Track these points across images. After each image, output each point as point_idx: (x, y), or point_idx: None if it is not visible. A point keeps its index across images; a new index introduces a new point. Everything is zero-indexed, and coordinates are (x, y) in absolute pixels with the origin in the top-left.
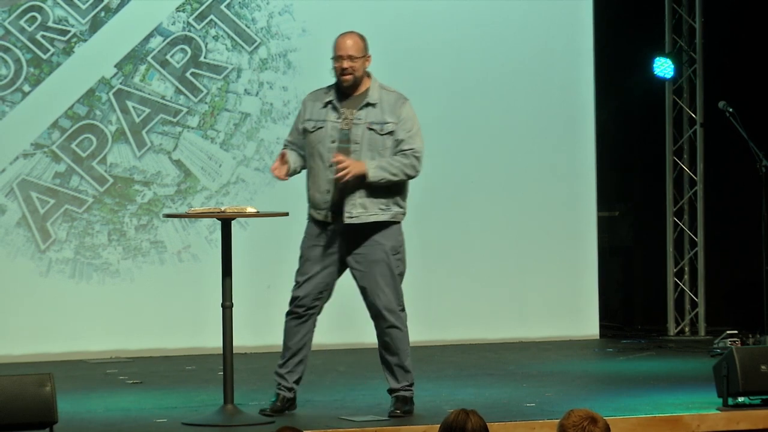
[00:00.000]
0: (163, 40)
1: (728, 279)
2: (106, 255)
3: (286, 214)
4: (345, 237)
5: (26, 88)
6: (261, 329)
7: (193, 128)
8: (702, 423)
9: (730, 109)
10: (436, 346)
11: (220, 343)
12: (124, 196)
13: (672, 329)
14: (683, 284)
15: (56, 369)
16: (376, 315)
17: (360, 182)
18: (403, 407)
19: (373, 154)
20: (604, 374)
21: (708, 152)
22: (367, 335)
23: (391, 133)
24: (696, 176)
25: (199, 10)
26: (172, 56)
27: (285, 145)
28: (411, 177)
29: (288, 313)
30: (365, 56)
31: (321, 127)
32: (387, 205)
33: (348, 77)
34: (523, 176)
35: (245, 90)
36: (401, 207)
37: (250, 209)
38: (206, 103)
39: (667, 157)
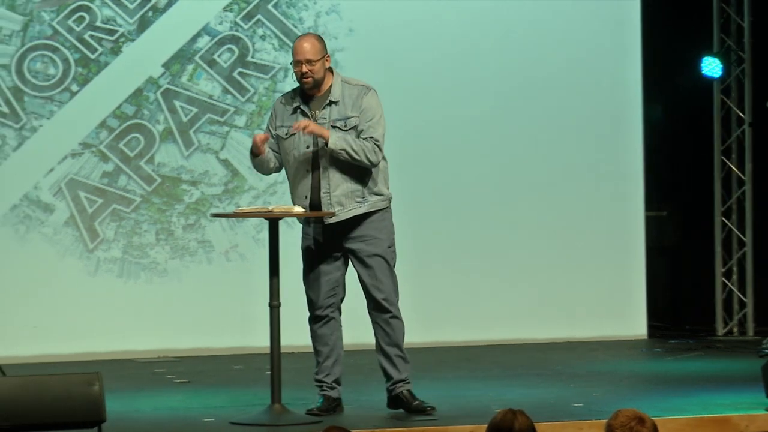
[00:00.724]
0: (211, 40)
1: None
2: (153, 254)
3: (333, 214)
4: (339, 232)
5: (74, 87)
6: (308, 329)
7: (240, 128)
8: (751, 423)
9: None
10: (482, 345)
11: (268, 343)
12: (171, 195)
13: (720, 329)
14: (731, 284)
15: (104, 368)
16: (377, 307)
17: (334, 182)
18: (422, 402)
19: None
20: (651, 374)
21: (756, 152)
22: (414, 335)
23: (355, 127)
24: (744, 176)
25: (247, 9)
26: (219, 56)
27: None
28: (371, 163)
29: (309, 320)
30: (324, 57)
31: (294, 134)
32: (363, 196)
33: (308, 80)
34: (570, 175)
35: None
36: (380, 194)
37: (298, 209)
38: (253, 102)
39: (715, 156)
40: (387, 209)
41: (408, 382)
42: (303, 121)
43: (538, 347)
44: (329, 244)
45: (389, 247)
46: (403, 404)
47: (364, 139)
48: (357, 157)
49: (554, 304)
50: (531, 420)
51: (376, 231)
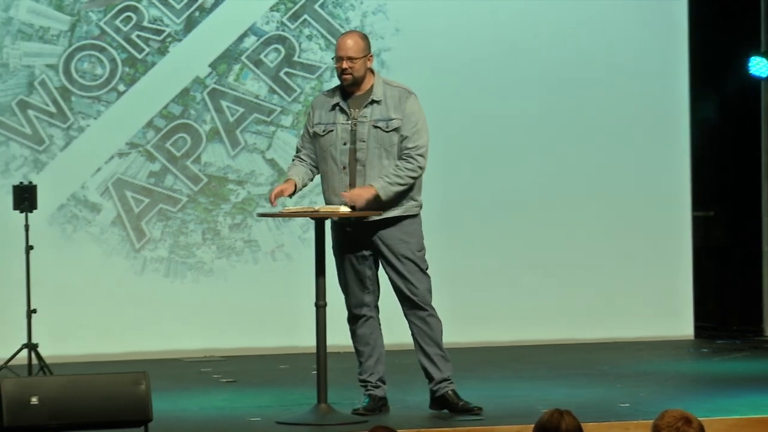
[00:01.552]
0: (257, 40)
1: None
2: (200, 254)
3: (380, 214)
4: (369, 233)
5: (121, 87)
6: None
7: (286, 128)
8: None
9: None
10: (528, 346)
11: (314, 342)
12: (218, 195)
13: None
14: None
15: (151, 367)
16: (413, 306)
17: (369, 182)
18: (468, 402)
19: (380, 151)
20: (698, 375)
21: None
22: (459, 335)
23: (396, 129)
24: None
25: (293, 9)
26: (265, 56)
27: (297, 150)
28: (418, 177)
29: (348, 320)
30: (366, 56)
31: (331, 131)
32: (398, 201)
33: (347, 77)
34: (617, 175)
35: None
36: (414, 200)
37: (344, 208)
38: (300, 102)
39: (763, 156)
40: (418, 216)
41: (451, 382)
42: (348, 199)
43: (584, 347)
44: (360, 243)
45: (419, 251)
46: (448, 405)
47: (407, 148)
48: (407, 185)
49: (601, 304)
50: (578, 420)
51: (406, 235)
